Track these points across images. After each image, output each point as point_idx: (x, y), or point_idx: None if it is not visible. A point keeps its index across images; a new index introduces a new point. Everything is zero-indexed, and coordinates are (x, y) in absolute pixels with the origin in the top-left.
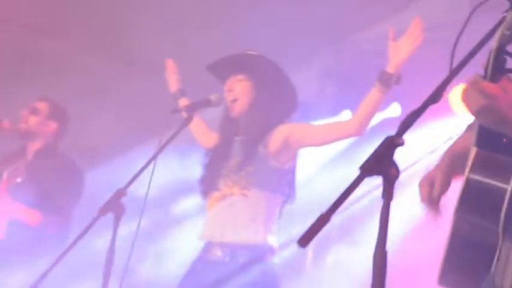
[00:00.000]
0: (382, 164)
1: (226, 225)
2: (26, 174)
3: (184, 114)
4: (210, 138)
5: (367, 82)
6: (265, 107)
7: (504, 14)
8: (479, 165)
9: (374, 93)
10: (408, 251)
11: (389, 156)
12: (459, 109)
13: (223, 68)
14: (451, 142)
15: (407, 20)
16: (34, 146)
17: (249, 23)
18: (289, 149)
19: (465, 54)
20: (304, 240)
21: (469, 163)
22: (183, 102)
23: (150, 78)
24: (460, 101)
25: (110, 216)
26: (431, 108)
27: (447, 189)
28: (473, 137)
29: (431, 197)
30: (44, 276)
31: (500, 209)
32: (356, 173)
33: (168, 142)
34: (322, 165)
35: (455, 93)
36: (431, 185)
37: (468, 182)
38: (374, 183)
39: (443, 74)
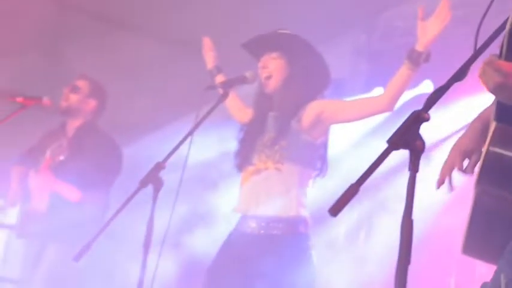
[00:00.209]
0: (408, 138)
1: (260, 198)
2: (68, 151)
3: (220, 91)
4: (245, 114)
5: (398, 59)
6: (298, 83)
7: None
8: (499, 138)
9: (403, 71)
10: (440, 224)
11: (415, 130)
12: None
13: (258, 46)
14: None
15: None
16: (74, 123)
17: (283, 1)
18: (321, 125)
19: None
20: (335, 210)
21: (489, 136)
22: (220, 78)
23: (188, 55)
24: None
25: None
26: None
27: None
28: (492, 112)
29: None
30: (87, 247)
31: None
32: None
33: (204, 117)
34: (355, 141)
35: None
36: (465, 157)
37: (488, 154)
38: None
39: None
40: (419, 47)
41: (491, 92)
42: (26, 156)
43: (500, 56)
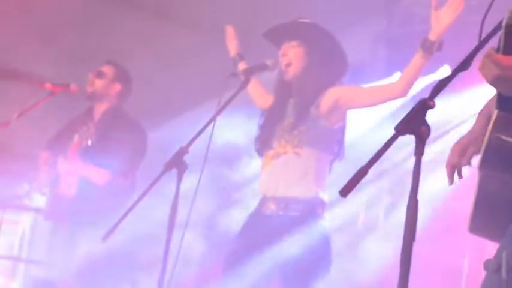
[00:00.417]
0: (414, 124)
1: (279, 181)
2: (95, 136)
3: (242, 78)
4: (266, 100)
5: (417, 45)
6: (317, 71)
7: None
8: (500, 125)
9: (417, 59)
10: (453, 206)
11: (421, 117)
12: None
13: (278, 35)
14: None
15: None
16: (100, 107)
17: None
18: (339, 110)
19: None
20: (345, 191)
21: (491, 124)
22: (242, 66)
23: (212, 41)
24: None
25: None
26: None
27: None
28: (494, 101)
29: (458, 165)
30: (113, 229)
31: None
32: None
33: (226, 103)
34: (371, 126)
35: None
36: (462, 153)
37: (490, 140)
38: None
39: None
40: (432, 36)
41: (491, 84)
42: (54, 142)
43: (498, 49)
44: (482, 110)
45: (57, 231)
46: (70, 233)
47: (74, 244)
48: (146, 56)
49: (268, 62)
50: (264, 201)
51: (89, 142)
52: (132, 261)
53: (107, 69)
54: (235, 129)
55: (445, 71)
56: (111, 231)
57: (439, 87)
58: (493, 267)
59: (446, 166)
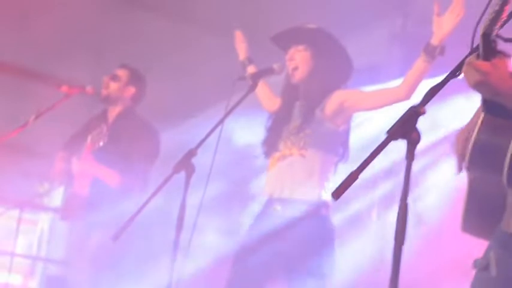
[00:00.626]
0: (405, 130)
1: (285, 182)
2: (108, 137)
3: (250, 81)
4: (273, 103)
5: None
6: (323, 74)
7: None
8: (486, 127)
9: (420, 63)
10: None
11: (412, 123)
12: None
13: (285, 39)
14: None
15: None
16: (115, 110)
17: None
18: (344, 113)
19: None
20: (337, 193)
21: (477, 126)
22: (251, 69)
23: (222, 44)
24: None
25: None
26: None
27: None
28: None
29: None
30: (123, 229)
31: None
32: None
33: (234, 107)
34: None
35: None
36: (466, 139)
37: (476, 142)
38: None
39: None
40: (434, 41)
41: (473, 89)
42: (70, 142)
43: (479, 55)
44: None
45: (72, 231)
46: (84, 232)
47: (87, 243)
48: (158, 57)
49: (275, 66)
50: (270, 202)
51: (101, 143)
52: (143, 259)
53: (122, 73)
54: (256, 129)
55: None
56: (120, 232)
57: (430, 94)
58: (481, 265)
59: (454, 155)
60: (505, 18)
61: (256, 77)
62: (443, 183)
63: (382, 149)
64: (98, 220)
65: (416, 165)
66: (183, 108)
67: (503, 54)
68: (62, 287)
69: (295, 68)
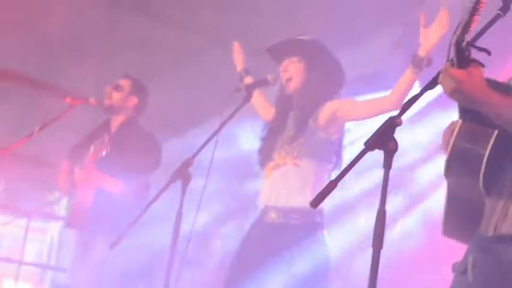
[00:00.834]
0: (383, 140)
1: (280, 191)
2: (110, 147)
3: (244, 92)
4: (269, 112)
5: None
6: (316, 85)
7: (498, 12)
8: (463, 134)
9: (408, 74)
10: None
11: (389, 134)
12: None
13: (279, 51)
14: None
15: None
16: (117, 120)
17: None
18: (337, 122)
19: None
20: (315, 202)
21: (455, 132)
22: (248, 80)
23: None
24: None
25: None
26: None
27: None
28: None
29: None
30: (120, 237)
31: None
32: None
33: (229, 118)
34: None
35: None
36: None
37: (454, 147)
38: None
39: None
40: (421, 53)
41: (449, 97)
42: (73, 152)
43: (453, 64)
44: None
45: (77, 240)
46: (87, 241)
47: (91, 252)
48: (167, 68)
49: (269, 77)
50: (265, 210)
51: (104, 153)
52: (144, 269)
53: (124, 83)
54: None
55: None
56: (118, 240)
57: (407, 105)
58: (459, 269)
59: (442, 150)
60: (474, 27)
61: (250, 88)
62: None
63: (359, 159)
64: (101, 229)
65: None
66: (187, 118)
67: (477, 63)
68: None
69: (289, 79)
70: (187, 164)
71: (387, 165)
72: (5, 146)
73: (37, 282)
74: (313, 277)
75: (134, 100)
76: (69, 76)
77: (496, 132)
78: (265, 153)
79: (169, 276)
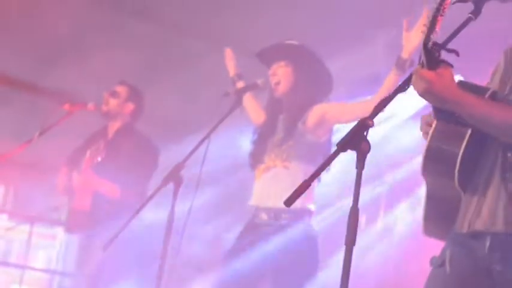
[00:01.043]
0: (355, 141)
1: (270, 193)
2: (106, 153)
3: (234, 97)
4: (260, 116)
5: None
6: (303, 88)
7: (469, 15)
8: (438, 134)
9: (391, 76)
10: None
11: (361, 135)
12: None
13: (268, 56)
14: None
15: None
16: (114, 126)
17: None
18: (325, 125)
19: None
20: (289, 201)
21: (431, 132)
22: (240, 85)
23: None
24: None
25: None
26: None
27: None
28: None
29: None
30: (112, 240)
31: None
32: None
33: (219, 122)
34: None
35: None
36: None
37: (429, 147)
38: None
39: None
40: (404, 55)
41: (421, 97)
42: (71, 157)
43: (423, 65)
44: None
45: (75, 244)
46: (85, 245)
47: (88, 256)
48: (157, 71)
49: (259, 82)
50: (257, 211)
51: (99, 159)
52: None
53: (121, 89)
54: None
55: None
56: (110, 243)
57: (379, 107)
58: (437, 263)
59: (423, 135)
60: (439, 28)
61: (240, 93)
62: None
63: (332, 160)
64: (99, 233)
65: None
66: (186, 123)
67: (447, 64)
68: None
69: (278, 83)
70: (178, 168)
71: (360, 165)
72: (6, 152)
73: None
74: (302, 275)
75: (131, 106)
76: (68, 80)
77: (469, 131)
78: (256, 156)
79: (160, 278)
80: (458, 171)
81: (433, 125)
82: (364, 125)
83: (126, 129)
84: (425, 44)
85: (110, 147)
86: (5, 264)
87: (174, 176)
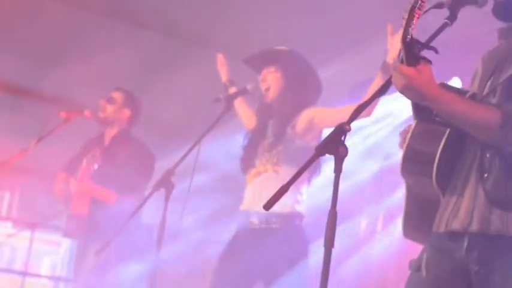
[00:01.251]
0: (333, 146)
1: (261, 197)
2: (102, 160)
3: (224, 103)
4: (251, 121)
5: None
6: (293, 94)
7: (445, 21)
8: (417, 134)
9: (377, 80)
10: None
11: (339, 139)
12: None
13: (258, 62)
14: None
15: None
16: (111, 132)
17: (316, 8)
18: (313, 130)
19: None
20: (268, 205)
21: (410, 132)
22: (232, 90)
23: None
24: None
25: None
26: None
27: None
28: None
29: None
30: (106, 245)
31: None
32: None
33: (210, 128)
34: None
35: None
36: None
37: (407, 148)
38: None
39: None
40: (389, 59)
41: (400, 93)
42: (69, 164)
43: (402, 61)
44: None
45: (74, 249)
46: (83, 250)
47: (86, 262)
48: (153, 78)
49: (249, 87)
50: (248, 215)
51: (96, 166)
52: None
53: (117, 95)
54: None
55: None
56: (103, 248)
57: (357, 112)
58: (415, 266)
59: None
60: (416, 22)
61: (230, 98)
62: None
63: (310, 165)
64: (96, 239)
65: None
66: (186, 127)
67: (426, 60)
68: None
69: (267, 89)
70: (169, 173)
71: (337, 169)
72: (7, 159)
73: None
74: (294, 279)
75: (127, 112)
76: (67, 82)
77: (448, 131)
78: (247, 161)
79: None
80: (437, 171)
81: (412, 125)
82: (341, 130)
83: (123, 136)
84: (403, 38)
85: (106, 154)
86: (10, 271)
87: (165, 182)
